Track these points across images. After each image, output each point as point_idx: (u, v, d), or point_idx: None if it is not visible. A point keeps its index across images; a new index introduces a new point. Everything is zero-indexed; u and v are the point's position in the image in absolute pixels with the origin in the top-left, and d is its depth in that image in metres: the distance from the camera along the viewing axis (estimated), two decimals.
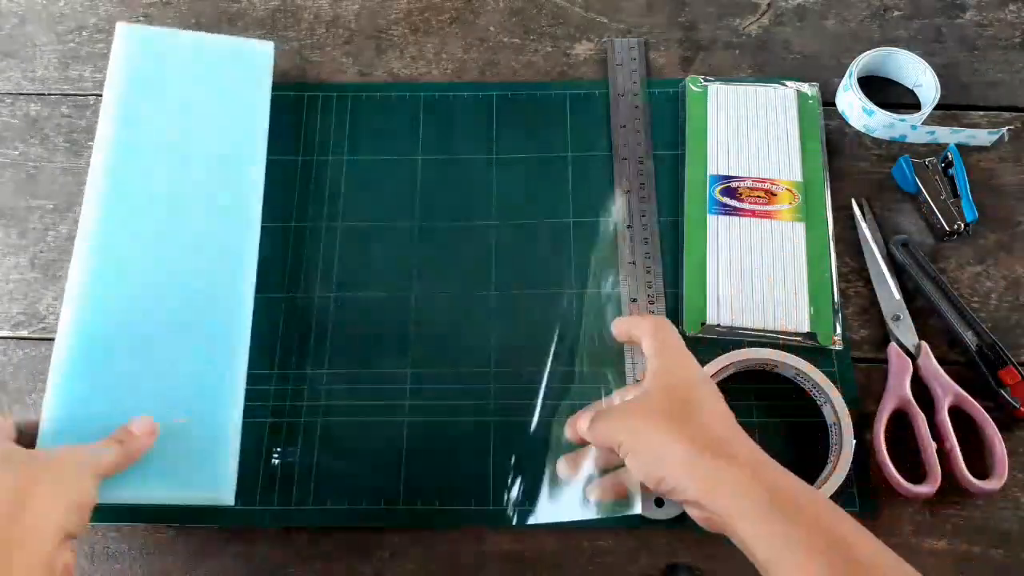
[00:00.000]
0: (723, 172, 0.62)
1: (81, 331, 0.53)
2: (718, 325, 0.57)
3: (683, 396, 0.43)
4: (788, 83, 0.66)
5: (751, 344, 0.57)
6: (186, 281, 0.55)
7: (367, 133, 0.65)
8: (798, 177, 0.62)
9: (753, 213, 0.61)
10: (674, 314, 0.58)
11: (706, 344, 0.57)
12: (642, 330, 0.47)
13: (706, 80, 0.66)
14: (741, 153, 0.63)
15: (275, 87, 0.66)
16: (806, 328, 0.57)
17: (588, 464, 0.49)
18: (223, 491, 0.51)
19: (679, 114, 0.65)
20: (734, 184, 0.61)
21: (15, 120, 0.66)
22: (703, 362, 0.55)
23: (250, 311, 0.56)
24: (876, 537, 0.38)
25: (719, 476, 0.39)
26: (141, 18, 0.70)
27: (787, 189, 0.61)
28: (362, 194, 0.63)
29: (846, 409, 0.53)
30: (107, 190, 0.56)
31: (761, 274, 0.59)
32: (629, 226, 0.61)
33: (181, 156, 0.58)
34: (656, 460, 0.41)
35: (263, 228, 0.61)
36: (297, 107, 0.66)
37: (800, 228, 0.60)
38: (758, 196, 0.61)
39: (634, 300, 0.59)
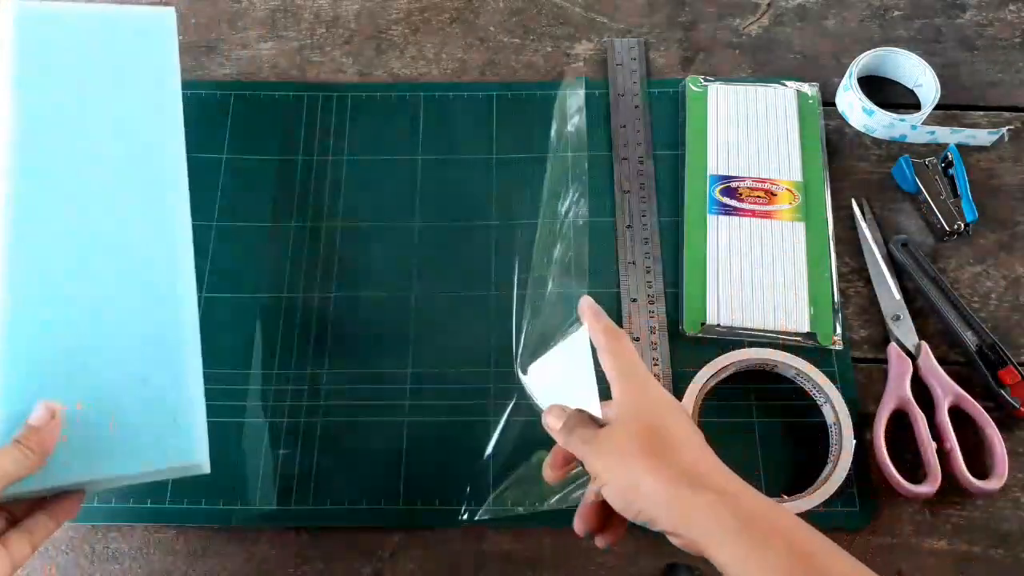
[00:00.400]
0: (723, 172, 0.62)
1: (11, 321, 0.49)
2: (718, 325, 0.57)
3: (653, 424, 0.42)
4: (788, 83, 0.66)
5: (751, 344, 0.57)
6: (115, 257, 0.52)
7: (367, 133, 0.65)
8: (798, 177, 0.62)
9: (753, 213, 0.61)
10: (674, 314, 0.58)
11: (706, 344, 0.57)
12: (596, 339, 0.45)
13: (706, 80, 0.66)
14: (741, 153, 0.63)
15: (275, 87, 0.66)
16: (806, 328, 0.57)
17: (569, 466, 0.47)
18: (196, 455, 0.49)
19: (679, 114, 0.65)
20: (734, 184, 0.61)
21: None
22: (703, 362, 0.55)
23: (189, 270, 0.53)
24: (851, 555, 0.38)
25: (693, 505, 0.39)
26: None
27: (787, 189, 0.61)
28: (362, 194, 0.63)
29: (846, 409, 0.53)
30: (13, 186, 0.52)
31: (761, 274, 0.59)
32: (629, 226, 0.61)
33: (85, 140, 0.54)
34: (632, 494, 0.41)
35: (263, 228, 0.62)
36: (297, 107, 0.66)
37: (800, 228, 0.60)
38: (758, 196, 0.61)
39: (634, 300, 0.59)
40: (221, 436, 0.55)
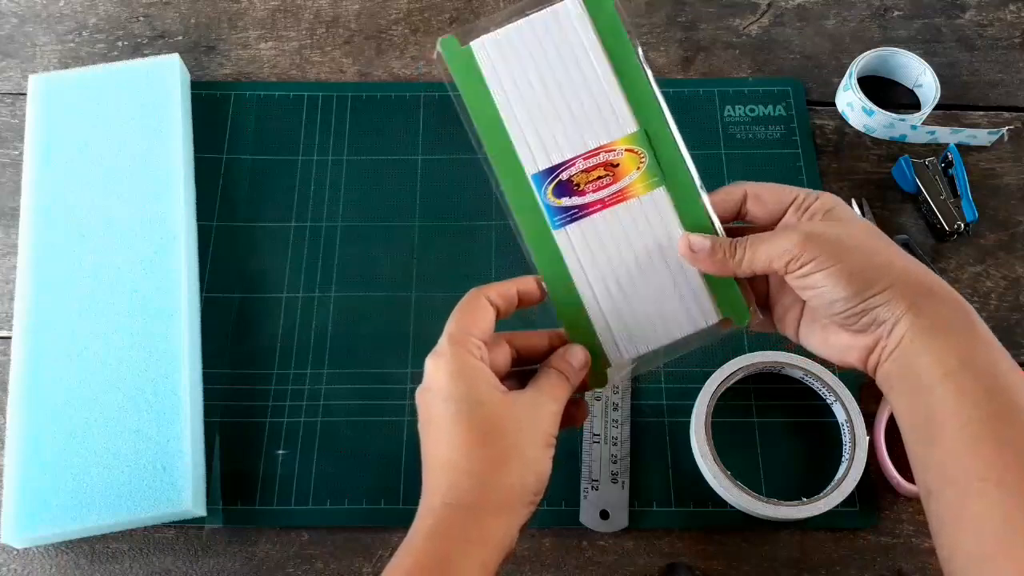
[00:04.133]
0: (543, 165, 0.44)
1: (23, 374, 0.54)
2: (629, 360, 0.45)
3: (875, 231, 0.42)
4: None
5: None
6: (119, 307, 0.56)
7: (367, 133, 0.65)
8: (631, 127, 0.44)
9: (603, 204, 0.44)
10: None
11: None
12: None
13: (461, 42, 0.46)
14: (553, 125, 0.44)
15: (275, 87, 0.66)
16: (715, 317, 0.44)
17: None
18: (183, 503, 0.51)
19: (454, 103, 0.46)
20: (564, 174, 0.44)
21: (15, 120, 0.66)
22: (704, 357, 0.55)
23: (193, 321, 0.57)
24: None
25: (883, 262, 0.40)
26: (141, 18, 0.70)
27: (627, 150, 0.44)
28: (362, 194, 0.63)
29: (857, 407, 0.53)
30: (39, 234, 0.58)
31: (645, 275, 0.44)
32: None
33: (103, 191, 0.59)
34: (836, 246, 0.40)
35: (263, 228, 0.62)
36: (297, 107, 0.66)
37: (660, 194, 0.44)
38: (598, 177, 0.44)
39: None
40: (222, 436, 0.55)
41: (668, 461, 0.55)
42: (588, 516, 0.53)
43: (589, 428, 0.55)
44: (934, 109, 0.64)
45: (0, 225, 0.62)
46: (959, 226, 0.60)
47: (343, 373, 0.57)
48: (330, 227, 0.62)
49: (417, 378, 0.57)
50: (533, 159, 0.44)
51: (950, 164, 0.62)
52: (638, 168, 0.44)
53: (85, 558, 0.53)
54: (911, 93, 0.67)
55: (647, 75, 0.45)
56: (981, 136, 0.63)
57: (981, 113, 0.66)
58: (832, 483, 0.52)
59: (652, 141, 0.45)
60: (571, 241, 0.44)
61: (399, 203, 0.63)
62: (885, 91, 0.67)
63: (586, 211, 0.44)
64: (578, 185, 0.44)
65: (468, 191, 0.63)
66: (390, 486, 0.54)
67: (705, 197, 0.44)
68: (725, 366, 0.55)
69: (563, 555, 0.53)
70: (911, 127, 0.63)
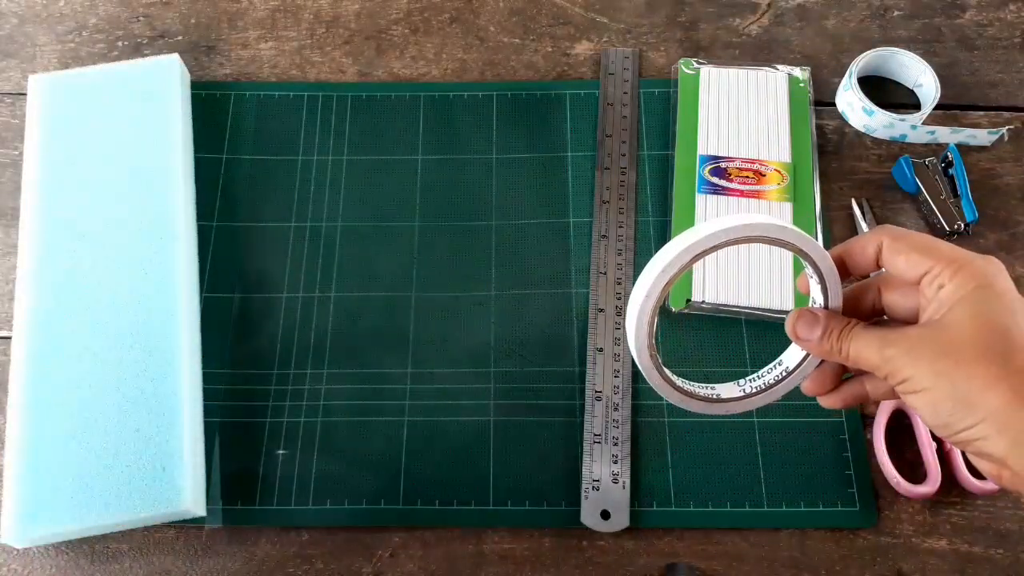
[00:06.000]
0: (713, 152, 0.63)
1: (23, 374, 0.54)
2: (703, 302, 0.58)
3: (1000, 324, 0.34)
4: (779, 67, 0.66)
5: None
6: (119, 307, 0.55)
7: (367, 133, 0.65)
8: (787, 158, 0.62)
9: (742, 193, 0.61)
10: None
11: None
12: (944, 265, 0.36)
13: (698, 63, 0.66)
14: (731, 134, 0.63)
15: (275, 87, 0.66)
16: (791, 306, 0.57)
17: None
18: (184, 503, 0.51)
19: (670, 99, 0.66)
20: (723, 164, 0.62)
21: (15, 120, 0.66)
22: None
23: (193, 321, 0.57)
24: None
25: None
26: (141, 18, 0.70)
27: (776, 170, 0.62)
28: (362, 194, 0.63)
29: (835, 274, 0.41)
30: (39, 234, 0.58)
31: (747, 253, 0.59)
32: (604, 236, 0.61)
33: (103, 191, 0.59)
34: (962, 408, 0.34)
35: (263, 228, 0.62)
36: (297, 107, 0.66)
37: (787, 208, 0.60)
38: (747, 176, 0.61)
39: (601, 310, 0.58)
40: (221, 436, 0.55)
41: (668, 461, 0.55)
42: (589, 516, 0.53)
43: (590, 428, 0.55)
44: (934, 109, 0.64)
45: (0, 225, 0.62)
46: (959, 226, 0.60)
47: (343, 373, 0.57)
48: (330, 227, 0.62)
49: (417, 378, 0.58)
50: (707, 146, 0.63)
51: (950, 164, 0.62)
52: (779, 184, 0.61)
53: (85, 558, 0.53)
54: (911, 93, 0.67)
55: (813, 134, 0.63)
56: (981, 136, 0.63)
57: (981, 113, 0.66)
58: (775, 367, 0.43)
59: (796, 172, 0.62)
60: (707, 205, 0.61)
61: (399, 203, 0.63)
62: (885, 91, 0.67)
63: (726, 192, 0.61)
64: (730, 174, 0.61)
65: (468, 191, 0.63)
66: (390, 486, 0.54)
67: (819, 226, 0.60)
68: (706, 236, 0.37)
69: (563, 555, 0.53)
70: (911, 127, 0.63)
